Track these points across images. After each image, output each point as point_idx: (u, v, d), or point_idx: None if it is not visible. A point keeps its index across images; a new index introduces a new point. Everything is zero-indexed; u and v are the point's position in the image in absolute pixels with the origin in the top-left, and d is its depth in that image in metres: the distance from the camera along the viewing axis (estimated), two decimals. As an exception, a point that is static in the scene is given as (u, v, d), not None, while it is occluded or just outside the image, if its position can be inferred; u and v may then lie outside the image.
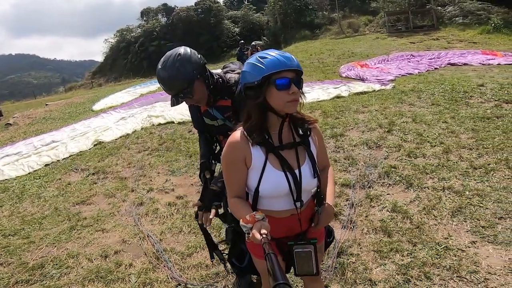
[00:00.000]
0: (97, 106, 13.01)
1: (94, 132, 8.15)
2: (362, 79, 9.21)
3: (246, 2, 45.78)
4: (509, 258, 2.40)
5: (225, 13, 40.76)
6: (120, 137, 7.47)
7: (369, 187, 3.76)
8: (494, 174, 3.61)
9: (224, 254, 2.03)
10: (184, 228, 3.43)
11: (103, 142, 7.21)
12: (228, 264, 2.01)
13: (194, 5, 41.63)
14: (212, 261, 2.11)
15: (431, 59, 11.11)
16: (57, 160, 6.49)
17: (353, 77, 9.71)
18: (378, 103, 6.76)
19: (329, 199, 1.53)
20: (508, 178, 3.50)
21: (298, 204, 1.44)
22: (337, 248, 2.70)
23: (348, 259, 2.59)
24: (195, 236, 3.23)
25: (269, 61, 1.33)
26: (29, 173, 6.01)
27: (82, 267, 3.02)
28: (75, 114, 12.11)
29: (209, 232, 2.10)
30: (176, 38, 39.05)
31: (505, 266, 2.33)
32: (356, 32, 23.93)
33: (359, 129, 5.46)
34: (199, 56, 1.87)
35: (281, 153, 1.41)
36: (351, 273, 2.44)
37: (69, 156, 6.64)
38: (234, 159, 1.42)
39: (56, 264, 3.10)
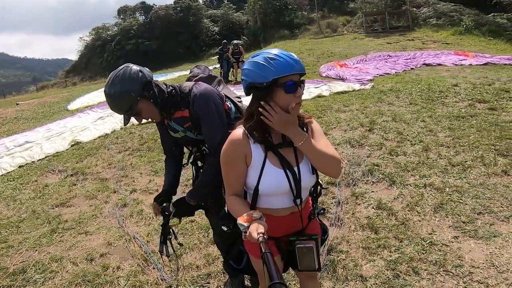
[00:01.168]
0: (72, 106, 12.62)
1: (70, 132, 7.89)
2: (342, 79, 9.37)
3: (225, 1, 45.58)
4: (490, 252, 2.51)
5: (204, 12, 40.42)
6: (99, 137, 7.27)
7: (354, 185, 3.82)
8: (471, 171, 3.75)
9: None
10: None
11: (80, 143, 6.99)
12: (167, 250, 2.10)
13: (173, 3, 41.08)
14: (161, 253, 2.10)
15: (407, 59, 11.44)
16: (32, 162, 6.25)
17: (333, 77, 9.86)
18: (358, 102, 6.89)
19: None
20: (484, 175, 3.65)
21: (298, 201, 1.45)
22: (327, 246, 2.73)
23: (338, 256, 2.63)
24: (183, 237, 3.19)
25: (280, 63, 1.33)
26: (1, 175, 5.75)
27: (67, 271, 2.92)
28: (49, 114, 11.69)
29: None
30: (154, 37, 38.44)
31: (487, 260, 2.43)
32: (335, 32, 24.31)
33: (342, 128, 5.54)
34: (140, 75, 1.76)
35: (280, 151, 1.42)
36: (342, 270, 2.48)
37: (45, 157, 6.40)
38: (234, 156, 1.42)
39: (39, 269, 2.99)
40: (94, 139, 7.12)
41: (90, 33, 44.64)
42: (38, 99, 17.83)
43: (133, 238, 3.29)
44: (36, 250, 3.31)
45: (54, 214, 4.04)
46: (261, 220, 1.27)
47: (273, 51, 1.39)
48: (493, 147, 4.22)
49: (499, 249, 2.53)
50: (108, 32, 42.32)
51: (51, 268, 2.97)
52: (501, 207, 3.05)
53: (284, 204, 1.46)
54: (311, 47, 17.92)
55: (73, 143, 6.98)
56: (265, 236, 1.20)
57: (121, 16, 45.22)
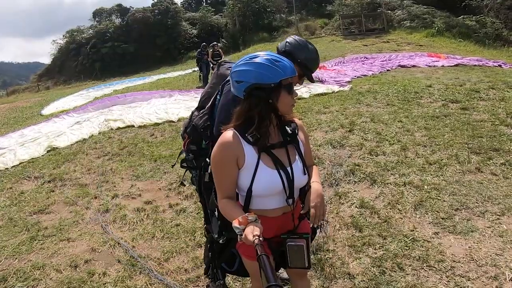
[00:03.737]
0: (46, 111, 12.24)
1: (46, 137, 7.64)
2: (321, 81, 9.51)
3: (204, 4, 45.30)
4: (469, 247, 2.63)
5: (182, 15, 40.01)
6: (76, 142, 7.08)
7: (336, 185, 3.90)
8: (447, 169, 3.90)
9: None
10: (157, 233, 3.34)
11: (57, 148, 6.78)
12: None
13: (150, 6, 40.46)
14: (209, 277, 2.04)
15: (383, 61, 11.75)
16: (6, 168, 6.01)
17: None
18: (338, 104, 7.02)
19: (316, 178, 1.58)
20: (459, 172, 3.80)
21: (290, 201, 1.47)
22: (314, 245, 2.78)
23: (325, 255, 2.69)
24: (169, 241, 3.16)
25: (284, 65, 1.40)
26: (-27, 183, 5.49)
27: (50, 278, 2.84)
28: (21, 119, 11.30)
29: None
30: (131, 40, 37.76)
31: (466, 254, 2.55)
32: (313, 34, 24.62)
33: (323, 130, 5.64)
34: None
35: (273, 152, 1.44)
36: (330, 268, 2.53)
37: (19, 164, 6.17)
38: (226, 159, 1.43)
39: (21, 277, 2.89)
40: (72, 144, 6.93)
41: (64, 36, 43.30)
42: (9, 104, 17.20)
43: (118, 243, 3.23)
44: (16, 258, 3.20)
45: (33, 222, 3.91)
46: (256, 222, 1.29)
47: (271, 54, 1.43)
48: (466, 145, 4.41)
49: (477, 243, 2.66)
50: (83, 35, 41.19)
51: (34, 276, 2.89)
52: (476, 203, 3.20)
53: (277, 204, 1.48)
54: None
55: (49, 149, 6.77)
56: (260, 239, 1.22)
57: (97, 19, 44.14)
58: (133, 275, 2.75)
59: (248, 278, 2.06)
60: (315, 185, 1.52)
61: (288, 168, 1.45)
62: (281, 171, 1.43)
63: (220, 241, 1.64)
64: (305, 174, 1.50)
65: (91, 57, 38.01)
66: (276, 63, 1.39)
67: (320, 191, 1.50)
